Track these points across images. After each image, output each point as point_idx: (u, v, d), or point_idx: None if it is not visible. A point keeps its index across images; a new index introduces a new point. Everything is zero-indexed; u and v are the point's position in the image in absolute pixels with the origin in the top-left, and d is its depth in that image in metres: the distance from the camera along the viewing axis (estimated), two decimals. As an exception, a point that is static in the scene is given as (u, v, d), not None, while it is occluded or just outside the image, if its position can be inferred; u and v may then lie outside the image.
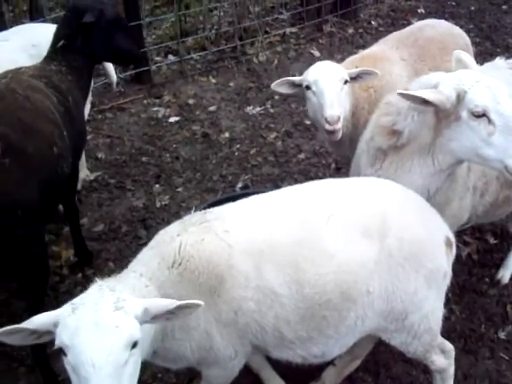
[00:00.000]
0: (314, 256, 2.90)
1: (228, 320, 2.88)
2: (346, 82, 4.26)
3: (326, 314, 2.95)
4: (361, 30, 9.43)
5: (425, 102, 3.08)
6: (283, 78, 4.46)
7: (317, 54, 8.51)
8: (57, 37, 4.53)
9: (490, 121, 3.06)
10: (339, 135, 4.16)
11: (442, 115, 3.18)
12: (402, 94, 3.17)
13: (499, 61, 4.40)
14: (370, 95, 4.60)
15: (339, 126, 4.11)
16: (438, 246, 3.16)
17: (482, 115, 3.07)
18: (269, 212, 3.05)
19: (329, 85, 4.19)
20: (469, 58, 3.60)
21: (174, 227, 3.02)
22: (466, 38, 5.41)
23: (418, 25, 5.45)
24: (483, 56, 5.52)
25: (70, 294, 3.03)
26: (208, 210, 3.10)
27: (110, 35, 4.68)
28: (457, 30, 5.49)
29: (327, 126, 4.09)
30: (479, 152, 3.14)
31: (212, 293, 2.82)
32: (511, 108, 3.10)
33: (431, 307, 3.19)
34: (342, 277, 2.92)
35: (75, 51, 4.52)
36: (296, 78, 4.43)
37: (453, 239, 3.29)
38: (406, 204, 3.18)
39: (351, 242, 2.95)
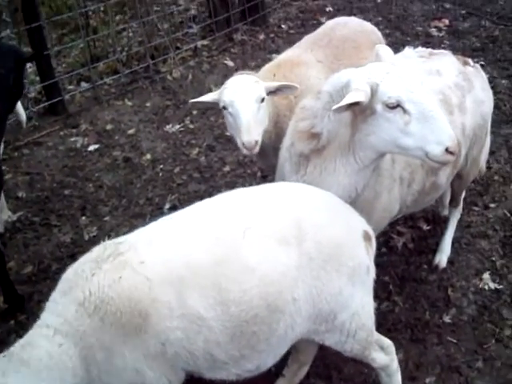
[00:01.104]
0: (236, 273, 2.84)
1: (157, 352, 2.78)
2: (263, 99, 4.13)
3: (255, 329, 2.89)
4: (272, 35, 9.44)
5: (351, 104, 3.06)
6: (199, 99, 4.34)
7: (230, 64, 8.48)
8: None
9: (404, 110, 3.07)
10: (256, 151, 4.08)
11: (358, 111, 3.17)
12: (336, 110, 3.10)
13: (408, 50, 4.46)
14: (291, 102, 4.54)
15: (256, 150, 4.04)
16: (357, 243, 3.16)
17: (396, 106, 3.07)
18: (183, 233, 2.96)
19: (245, 107, 4.05)
20: (387, 50, 3.59)
21: (86, 265, 2.84)
22: (377, 33, 5.47)
23: (329, 24, 5.43)
24: (395, 46, 5.55)
25: (5, 344, 2.88)
26: (120, 240, 2.97)
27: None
28: (368, 25, 5.52)
29: (244, 151, 4.03)
30: (398, 142, 3.14)
31: (138, 331, 2.72)
32: (424, 95, 3.13)
33: (360, 304, 3.18)
34: (266, 289, 2.87)
35: (4, 90, 4.45)
36: (211, 99, 4.28)
37: (371, 232, 3.29)
38: (319, 205, 3.17)
39: (270, 253, 2.91)
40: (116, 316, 2.69)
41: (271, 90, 4.20)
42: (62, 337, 2.67)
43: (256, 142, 4.01)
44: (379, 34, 5.50)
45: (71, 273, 2.86)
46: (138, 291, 2.73)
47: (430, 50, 4.46)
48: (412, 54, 4.37)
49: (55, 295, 2.85)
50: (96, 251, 2.90)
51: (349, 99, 3.04)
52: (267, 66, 4.90)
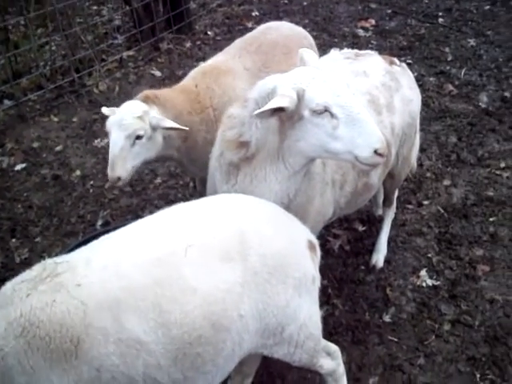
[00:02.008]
0: (176, 294, 2.74)
1: (91, 378, 2.66)
2: (139, 137, 4.08)
3: (199, 350, 2.80)
4: (198, 42, 9.39)
5: (275, 110, 3.02)
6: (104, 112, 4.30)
7: (158, 73, 8.38)
8: None
9: (332, 115, 3.05)
10: (120, 185, 4.29)
11: (285, 117, 3.14)
12: (258, 115, 3.06)
13: (334, 52, 4.47)
14: (208, 115, 4.51)
15: (120, 184, 4.20)
16: (302, 253, 3.11)
17: (323, 111, 3.05)
18: (122, 253, 2.84)
19: (114, 143, 4.08)
20: (311, 54, 3.57)
21: (23, 284, 2.71)
22: (309, 38, 5.45)
23: (260, 29, 5.41)
24: (322, 48, 5.61)
25: None
26: (60, 260, 2.84)
27: None
28: (300, 30, 5.52)
29: (108, 183, 4.25)
30: (327, 147, 3.12)
31: (68, 357, 2.60)
32: (350, 99, 3.11)
33: (307, 314, 3.13)
34: (210, 308, 2.78)
35: None
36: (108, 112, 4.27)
37: (315, 241, 3.26)
38: (262, 218, 3.10)
39: (212, 271, 2.82)
40: (44, 341, 2.58)
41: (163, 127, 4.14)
42: None
43: (118, 178, 4.10)
44: (311, 38, 5.49)
45: (9, 288, 2.73)
46: (71, 316, 2.61)
47: (356, 50, 4.47)
48: (338, 56, 4.37)
49: None
50: (36, 270, 2.78)
51: (271, 105, 3.01)
52: (192, 73, 4.86)
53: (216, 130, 4.32)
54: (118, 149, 4.07)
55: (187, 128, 4.21)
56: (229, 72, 4.73)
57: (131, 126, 4.06)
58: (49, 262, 2.82)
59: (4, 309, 2.65)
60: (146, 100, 4.26)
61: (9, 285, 2.76)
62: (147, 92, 4.38)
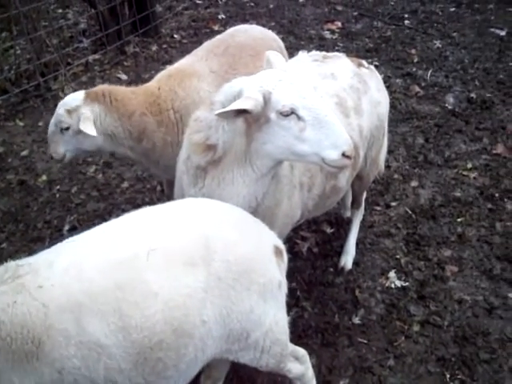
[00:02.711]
0: (138, 298, 2.71)
1: (52, 380, 2.63)
2: (66, 128, 4.32)
3: (160, 355, 2.77)
4: (165, 46, 9.35)
5: (239, 112, 3.00)
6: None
7: (124, 77, 8.33)
8: None
9: (299, 117, 3.04)
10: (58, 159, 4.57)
11: (252, 120, 3.12)
12: (219, 114, 3.05)
13: (302, 54, 4.47)
14: (168, 117, 4.51)
15: (58, 159, 4.56)
16: (267, 259, 3.08)
17: (290, 113, 3.03)
18: (85, 256, 2.80)
19: (49, 126, 4.44)
20: (278, 56, 3.55)
21: None
22: (278, 41, 5.44)
23: (229, 31, 5.39)
24: (289, 51, 5.60)
25: None
26: (22, 263, 2.79)
27: None
28: (269, 33, 5.50)
29: None
30: (294, 150, 3.11)
31: (29, 358, 2.57)
32: (317, 101, 3.10)
33: (273, 319, 3.11)
34: (171, 314, 2.75)
35: None
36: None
37: (282, 246, 3.23)
38: (227, 222, 3.07)
39: (175, 275, 2.79)
40: (5, 341, 2.55)
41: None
42: None
43: (50, 155, 4.62)
44: (280, 42, 5.47)
45: None
46: (32, 318, 2.58)
47: (324, 53, 4.47)
48: (306, 58, 4.37)
49: None
50: None
51: (234, 106, 2.99)
52: (158, 76, 4.85)
53: (177, 132, 4.44)
54: (50, 133, 4.45)
55: (94, 134, 4.22)
56: (193, 74, 4.71)
57: (57, 116, 4.34)
58: (10, 265, 2.78)
59: None
60: (93, 95, 4.36)
61: None
62: (102, 87, 4.48)
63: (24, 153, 6.82)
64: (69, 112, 4.26)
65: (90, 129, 4.18)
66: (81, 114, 4.22)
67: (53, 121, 4.39)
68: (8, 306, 2.58)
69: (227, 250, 2.90)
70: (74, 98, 4.35)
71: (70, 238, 2.98)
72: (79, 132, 4.26)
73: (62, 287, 2.67)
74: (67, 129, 4.31)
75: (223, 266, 2.85)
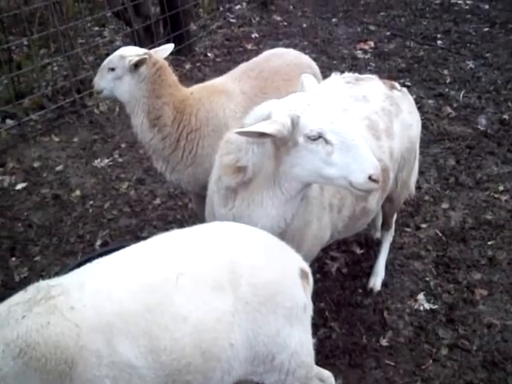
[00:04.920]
0: (167, 321, 2.75)
1: None
2: (112, 69, 4.61)
3: (188, 378, 2.80)
4: (198, 64, 9.45)
5: (262, 134, 3.04)
6: None
7: (158, 94, 8.40)
8: None
9: (326, 141, 3.06)
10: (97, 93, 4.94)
11: (280, 143, 3.15)
12: (239, 133, 3.12)
13: (335, 76, 4.50)
14: (188, 121, 4.68)
15: (95, 90, 4.92)
16: (293, 282, 3.09)
17: (318, 137, 3.06)
18: (115, 278, 2.85)
19: (106, 60, 4.74)
20: (311, 80, 3.59)
21: (19, 305, 2.72)
22: (314, 67, 5.45)
23: (265, 55, 5.45)
24: (321, 70, 5.62)
25: None
26: (53, 283, 2.85)
27: None
28: (305, 58, 5.53)
29: None
30: (322, 173, 3.13)
31: (63, 378, 2.61)
32: (345, 125, 3.11)
33: (298, 342, 3.11)
34: (200, 337, 2.79)
35: None
36: None
37: (307, 269, 3.23)
38: (254, 247, 3.09)
39: (203, 299, 2.83)
40: (41, 362, 2.59)
41: (138, 60, 4.48)
42: None
43: (93, 84, 4.89)
44: (316, 68, 5.49)
45: (5, 309, 2.74)
46: (65, 339, 2.63)
47: (356, 75, 4.49)
48: (339, 80, 4.40)
49: None
50: (30, 292, 2.78)
51: (255, 128, 3.04)
52: (194, 86, 5.02)
53: (193, 139, 4.63)
54: (102, 66, 4.76)
55: (146, 56, 4.50)
56: (223, 92, 4.82)
57: (113, 56, 4.66)
58: (42, 285, 2.83)
59: (1, 330, 2.67)
60: (153, 60, 4.60)
61: (4, 306, 2.77)
62: (161, 63, 4.67)
63: (59, 168, 6.94)
64: (121, 56, 4.57)
65: (136, 60, 4.44)
66: (128, 60, 4.49)
67: (109, 57, 4.70)
68: (42, 327, 2.63)
69: (253, 275, 2.92)
70: (135, 49, 4.74)
71: (101, 259, 3.04)
72: (119, 78, 4.61)
73: (94, 308, 2.72)
74: (112, 69, 4.60)
75: (250, 290, 2.88)
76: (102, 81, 4.73)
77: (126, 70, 4.52)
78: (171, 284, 2.81)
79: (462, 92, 8.21)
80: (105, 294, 2.77)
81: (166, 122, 4.62)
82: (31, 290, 2.81)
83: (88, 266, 3.00)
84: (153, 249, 3.05)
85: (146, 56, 4.51)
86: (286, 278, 3.07)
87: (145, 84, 4.54)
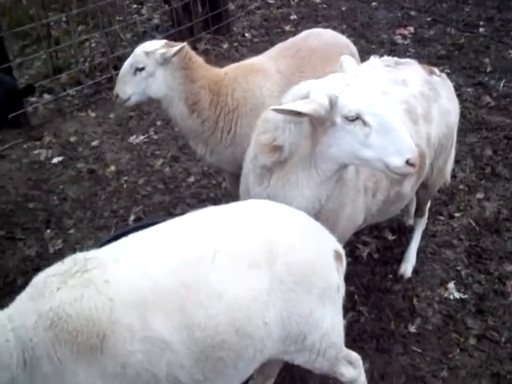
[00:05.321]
0: (202, 298, 2.76)
1: (115, 373, 2.70)
2: (138, 69, 4.48)
3: (221, 354, 2.82)
4: (236, 44, 9.42)
5: (299, 113, 3.03)
6: None
7: (194, 73, 8.42)
8: None
9: (364, 123, 3.04)
10: (121, 103, 4.73)
11: (318, 123, 3.14)
12: (275, 110, 3.11)
13: (374, 59, 4.46)
14: (225, 102, 4.66)
15: (119, 102, 4.71)
16: (328, 263, 3.10)
17: (356, 118, 3.04)
18: (152, 253, 2.87)
19: (123, 66, 4.60)
20: (351, 62, 3.57)
21: (55, 277, 2.76)
22: (351, 47, 5.39)
23: (302, 35, 5.40)
24: (360, 55, 5.56)
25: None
26: (90, 256, 2.88)
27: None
28: (343, 38, 5.48)
29: None
30: (359, 154, 3.12)
31: (94, 351, 2.64)
32: (384, 107, 3.10)
33: (330, 323, 3.13)
34: (235, 315, 2.79)
35: None
36: None
37: (341, 251, 3.24)
38: (290, 226, 3.09)
39: (240, 277, 2.83)
40: (72, 335, 2.63)
41: (170, 54, 4.43)
42: (14, 336, 2.62)
43: (117, 95, 4.64)
44: (354, 48, 5.42)
45: (41, 280, 2.78)
46: (98, 312, 2.66)
47: (395, 59, 4.46)
48: (378, 64, 4.36)
49: (24, 295, 2.80)
50: (66, 264, 2.82)
51: (291, 106, 3.03)
52: (229, 66, 5.00)
53: (231, 120, 4.62)
54: (123, 72, 4.59)
55: (183, 44, 4.48)
56: (260, 71, 4.80)
57: (135, 57, 4.51)
58: (79, 257, 2.86)
59: (35, 301, 2.72)
60: (172, 45, 4.56)
61: (41, 276, 2.82)
62: (186, 47, 4.60)
63: (94, 143, 7.02)
64: (146, 53, 4.45)
65: (174, 49, 4.41)
66: (159, 54, 4.43)
67: (129, 61, 4.55)
68: (75, 301, 2.66)
69: (290, 254, 2.93)
70: (153, 43, 4.60)
71: (136, 234, 3.05)
72: (152, 75, 4.49)
73: (129, 283, 2.74)
74: (142, 69, 4.48)
75: (285, 269, 2.88)
76: (129, 86, 4.58)
77: (157, 65, 4.46)
78: (207, 261, 2.82)
79: (503, 81, 8.06)
80: (140, 270, 2.79)
81: (204, 106, 4.61)
82: (68, 262, 2.85)
83: (124, 240, 3.02)
84: (189, 225, 3.06)
85: (183, 44, 4.49)
86: (320, 258, 3.08)
87: (179, 71, 4.51)
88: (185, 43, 4.48)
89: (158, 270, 2.79)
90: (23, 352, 2.63)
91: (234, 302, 2.79)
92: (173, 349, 2.73)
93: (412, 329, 4.51)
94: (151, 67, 4.46)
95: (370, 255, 5.19)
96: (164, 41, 4.61)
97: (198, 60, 4.68)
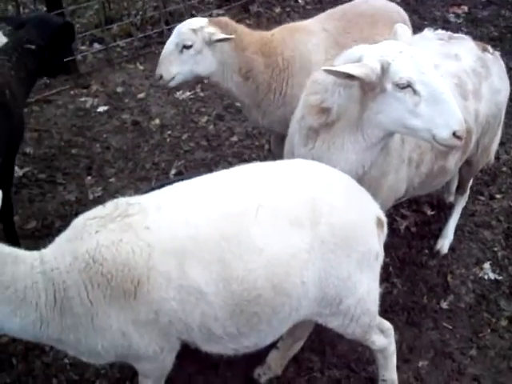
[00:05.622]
0: (242, 251, 2.78)
1: (148, 320, 2.76)
2: (185, 46, 4.38)
3: (257, 310, 2.85)
4: (288, 9, 9.30)
5: (350, 76, 3.02)
6: None
7: (245, 35, 8.37)
8: (25, 37, 4.49)
9: (415, 91, 3.03)
10: (164, 85, 4.69)
11: (368, 88, 3.13)
12: (327, 71, 3.10)
13: (428, 32, 4.41)
14: (277, 62, 4.62)
15: (162, 83, 4.64)
16: (369, 229, 3.10)
17: (406, 86, 3.03)
18: (194, 203, 2.89)
19: (167, 46, 4.53)
20: (405, 30, 3.54)
21: (95, 220, 2.81)
22: (402, 14, 5.33)
23: (352, 2, 5.36)
24: (412, 30, 5.51)
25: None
26: (132, 202, 2.91)
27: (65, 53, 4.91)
28: (392, 5, 5.42)
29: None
30: (406, 123, 3.11)
31: (127, 296, 2.70)
32: (436, 77, 3.08)
33: (366, 289, 3.14)
34: (273, 271, 2.81)
35: (37, 59, 4.51)
36: None
37: (383, 218, 3.23)
38: (335, 187, 3.09)
39: (281, 234, 2.84)
40: (106, 278, 2.67)
41: (217, 39, 4.36)
42: (43, 278, 2.70)
43: (161, 76, 4.53)
44: (405, 15, 5.36)
45: (81, 223, 2.84)
46: (135, 257, 2.69)
47: (449, 33, 4.40)
48: (431, 36, 4.32)
49: (63, 237, 2.86)
50: (108, 208, 2.87)
51: (343, 68, 3.02)
52: (276, 28, 4.96)
53: (282, 80, 4.59)
54: (167, 52, 4.51)
55: (233, 36, 4.38)
56: (305, 29, 4.80)
57: (182, 34, 4.41)
58: (121, 202, 2.90)
59: (73, 243, 2.77)
60: (216, 21, 4.52)
61: (81, 219, 2.87)
62: (221, 18, 4.61)
63: (141, 95, 7.04)
64: (194, 31, 4.37)
65: (222, 36, 4.35)
66: (207, 33, 4.36)
67: (173, 39, 4.47)
68: (113, 244, 2.70)
69: (333, 215, 2.92)
70: (197, 20, 4.52)
71: (180, 183, 3.07)
72: (200, 52, 4.42)
73: (169, 231, 2.77)
74: (189, 47, 4.39)
75: (328, 229, 2.89)
76: (174, 66, 4.47)
77: (204, 42, 4.37)
78: (250, 215, 2.83)
79: (556, 66, 7.89)
80: (181, 219, 2.81)
81: (258, 70, 4.58)
82: (109, 206, 2.88)
83: (167, 188, 3.05)
84: (234, 179, 3.07)
85: (232, 36, 4.39)
86: (363, 223, 3.07)
87: (228, 44, 4.45)
88: (233, 36, 4.39)
89: (200, 220, 2.81)
90: (54, 293, 2.69)
91: (273, 258, 2.80)
92: (208, 300, 2.76)
93: (444, 305, 4.51)
94: (199, 44, 4.38)
95: (408, 229, 5.17)
96: (206, 19, 4.53)
97: (240, 27, 4.64)
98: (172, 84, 4.62)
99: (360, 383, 3.98)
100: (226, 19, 4.60)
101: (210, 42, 4.36)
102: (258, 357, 3.77)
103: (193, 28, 4.37)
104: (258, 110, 4.75)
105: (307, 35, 4.74)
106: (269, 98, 4.65)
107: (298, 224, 2.86)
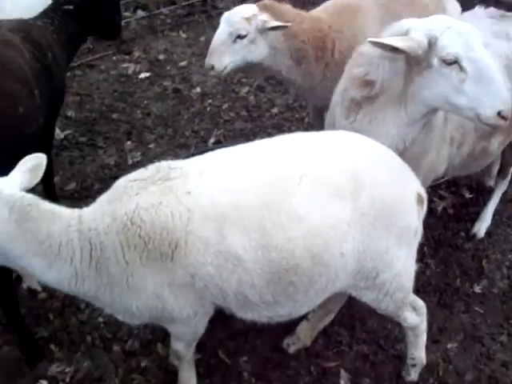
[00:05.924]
0: (283, 219, 2.75)
1: (184, 283, 2.76)
2: (239, 36, 4.26)
3: (294, 279, 2.83)
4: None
5: (395, 49, 2.97)
6: None
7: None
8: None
9: (461, 68, 2.96)
10: (215, 74, 4.49)
11: (414, 62, 3.07)
12: (372, 42, 3.05)
13: (479, 10, 4.31)
14: (330, 56, 4.48)
15: (214, 73, 4.46)
16: (410, 204, 3.05)
17: (453, 62, 2.96)
18: (236, 170, 2.87)
19: (218, 35, 4.35)
20: (455, 6, 3.48)
21: (136, 182, 2.80)
22: None
23: None
24: (461, 7, 5.41)
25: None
26: (174, 166, 2.89)
27: (112, 13, 4.88)
28: None
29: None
30: (450, 100, 3.05)
31: (164, 258, 2.69)
32: (484, 55, 3.01)
33: (403, 265, 3.11)
34: (313, 240, 2.78)
35: (77, 19, 4.53)
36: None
37: (424, 195, 3.18)
38: (378, 161, 3.04)
39: (323, 204, 2.81)
40: (143, 240, 2.68)
41: (271, 27, 4.24)
42: (79, 237, 2.72)
43: (212, 66, 4.37)
44: None
45: (122, 184, 2.84)
46: (174, 220, 2.68)
47: (501, 11, 4.29)
48: (482, 14, 4.22)
49: (103, 198, 2.87)
50: (150, 170, 2.86)
51: (389, 41, 2.97)
52: (327, 3, 4.86)
53: (340, 72, 4.34)
54: (219, 42, 4.34)
55: (290, 24, 4.26)
56: (359, 10, 4.64)
57: (236, 24, 4.27)
58: (163, 165, 2.88)
59: (112, 204, 2.77)
60: (263, 7, 4.37)
61: (122, 181, 2.86)
62: (267, 2, 4.44)
63: (182, 63, 7.06)
64: (247, 19, 4.26)
65: (276, 23, 4.24)
66: (260, 20, 4.25)
67: (225, 29, 4.31)
68: (152, 207, 2.69)
69: (375, 188, 2.89)
70: (248, 8, 4.38)
71: (222, 150, 3.05)
72: (253, 41, 4.32)
73: (210, 197, 2.75)
74: (243, 37, 4.28)
75: (368, 202, 2.85)
76: (227, 56, 4.33)
77: (257, 30, 4.25)
78: (293, 184, 2.80)
79: None
80: (223, 185, 2.79)
81: (309, 60, 4.47)
82: (151, 168, 2.87)
83: (209, 154, 3.03)
84: (277, 147, 3.04)
85: (288, 23, 4.29)
86: (403, 198, 3.03)
87: (280, 31, 4.33)
88: (289, 23, 4.27)
89: (241, 187, 2.79)
90: (90, 251, 2.71)
91: (313, 228, 2.78)
92: (246, 267, 2.75)
93: (477, 289, 4.46)
94: (252, 34, 4.27)
95: (445, 210, 5.12)
96: (254, 6, 4.39)
97: (289, 11, 4.49)
98: (223, 74, 4.50)
99: (388, 360, 3.96)
100: (272, 2, 4.45)
101: (263, 30, 4.26)
102: (288, 327, 3.77)
103: (246, 17, 4.26)
104: (313, 92, 4.66)
105: (363, 19, 4.58)
106: (325, 84, 4.50)
107: (339, 195, 2.83)
